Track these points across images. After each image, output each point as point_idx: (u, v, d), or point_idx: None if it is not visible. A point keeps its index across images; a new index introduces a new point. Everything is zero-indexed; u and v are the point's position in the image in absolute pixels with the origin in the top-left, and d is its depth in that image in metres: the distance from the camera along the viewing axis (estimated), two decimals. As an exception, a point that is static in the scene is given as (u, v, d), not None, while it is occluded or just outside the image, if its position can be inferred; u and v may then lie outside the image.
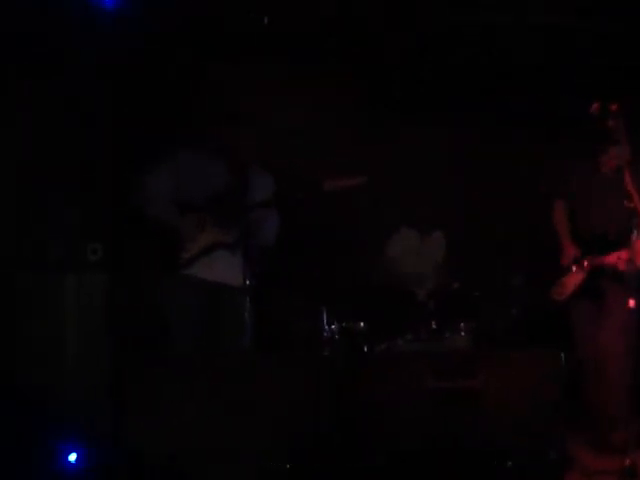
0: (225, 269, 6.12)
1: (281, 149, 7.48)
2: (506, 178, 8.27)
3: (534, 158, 7.89)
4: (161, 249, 6.08)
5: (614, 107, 5.79)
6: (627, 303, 5.51)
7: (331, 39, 7.60)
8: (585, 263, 6.31)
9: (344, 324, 7.12)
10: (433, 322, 7.20)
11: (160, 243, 6.07)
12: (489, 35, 7.65)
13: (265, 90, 7.78)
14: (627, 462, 5.15)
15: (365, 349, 6.96)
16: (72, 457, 5.40)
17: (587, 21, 7.39)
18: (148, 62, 7.25)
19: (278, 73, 7.89)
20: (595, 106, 5.87)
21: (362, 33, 7.62)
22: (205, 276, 6.07)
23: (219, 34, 7.35)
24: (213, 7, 7.12)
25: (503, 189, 8.24)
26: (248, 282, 6.25)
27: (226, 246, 6.11)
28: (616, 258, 6.08)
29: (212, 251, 6.06)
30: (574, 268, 6.39)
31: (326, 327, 7.08)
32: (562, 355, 5.82)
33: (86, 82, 6.65)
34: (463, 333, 7.11)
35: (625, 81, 7.52)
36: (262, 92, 7.68)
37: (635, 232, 5.62)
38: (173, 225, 6.00)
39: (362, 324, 7.08)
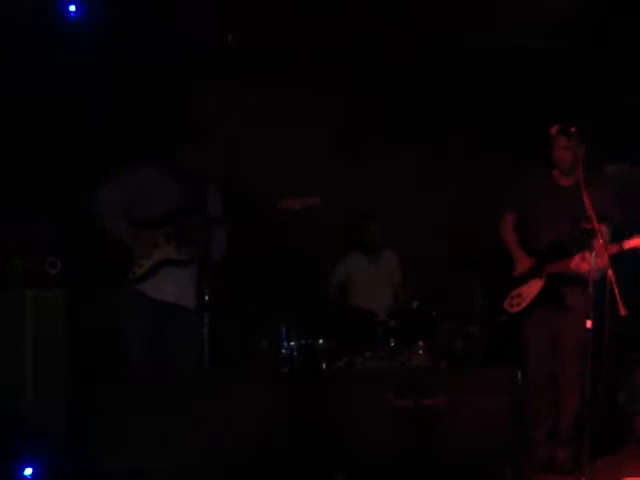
0: (177, 287, 6.11)
1: (238, 167, 7.52)
2: (465, 196, 8.35)
3: (495, 175, 7.98)
4: (114, 264, 6.06)
5: (573, 129, 5.87)
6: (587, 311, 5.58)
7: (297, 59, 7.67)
8: (545, 269, 6.30)
9: (303, 341, 7.13)
10: (392, 340, 7.22)
11: (113, 258, 6.05)
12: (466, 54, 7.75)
13: (224, 109, 7.83)
14: (583, 482, 5.19)
15: (324, 366, 6.97)
16: (28, 472, 5.35)
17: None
18: (107, 79, 7.26)
19: (238, 93, 7.94)
20: (554, 128, 5.94)
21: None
22: (156, 293, 6.05)
23: (185, 53, 7.37)
24: (179, 26, 7.13)
25: (463, 206, 8.33)
26: (202, 300, 6.27)
27: (178, 263, 6.10)
28: (578, 260, 6.08)
29: (164, 267, 6.05)
30: (531, 277, 6.39)
31: (285, 344, 7.10)
32: (519, 373, 5.86)
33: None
34: (421, 351, 7.14)
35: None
36: (220, 111, 7.73)
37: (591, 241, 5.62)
38: (126, 241, 6.00)
39: (321, 341, 7.10)
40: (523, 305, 6.35)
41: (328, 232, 7.89)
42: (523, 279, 6.39)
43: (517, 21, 7.24)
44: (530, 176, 6.54)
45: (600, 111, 7.79)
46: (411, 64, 7.95)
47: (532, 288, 6.34)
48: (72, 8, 6.75)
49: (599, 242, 5.42)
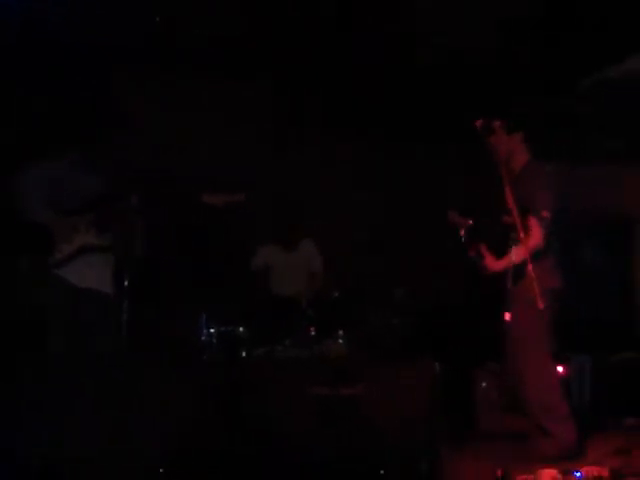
0: (96, 272, 6.09)
1: (162, 159, 7.47)
2: (396, 189, 8.40)
3: (430, 172, 8.03)
4: (33, 249, 6.01)
5: (497, 124, 5.91)
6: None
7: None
8: None
9: (223, 328, 7.09)
10: (312, 329, 7.23)
11: (33, 243, 6.00)
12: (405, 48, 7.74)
13: (151, 99, 7.77)
14: (499, 473, 5.22)
15: (243, 354, 6.95)
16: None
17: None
18: (30, 66, 7.17)
19: (168, 83, 7.88)
20: (479, 122, 5.97)
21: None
22: (76, 279, 6.02)
23: (111, 41, 7.28)
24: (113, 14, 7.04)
25: (394, 200, 8.37)
26: (122, 286, 6.26)
27: (99, 248, 6.08)
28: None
29: (85, 252, 6.02)
30: None
31: (205, 331, 7.05)
32: (436, 365, 5.89)
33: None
34: (341, 341, 7.15)
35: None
36: (148, 101, 7.67)
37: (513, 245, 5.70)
38: (47, 226, 5.95)
39: (241, 329, 7.07)
40: None
41: (251, 221, 7.89)
42: None
43: (454, 23, 7.27)
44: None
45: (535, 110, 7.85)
46: (352, 60, 7.92)
47: None
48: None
49: (521, 236, 5.48)
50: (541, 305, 5.30)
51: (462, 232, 6.22)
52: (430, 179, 7.89)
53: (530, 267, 5.41)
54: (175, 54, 7.64)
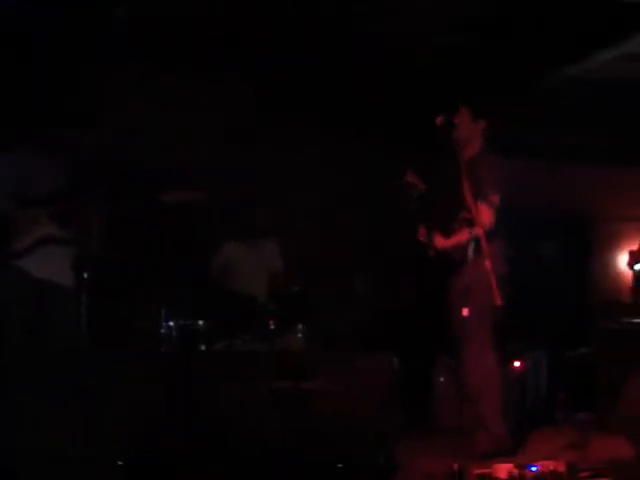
0: (56, 265, 6.08)
1: (125, 152, 7.44)
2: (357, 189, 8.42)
3: (390, 166, 8.02)
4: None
5: (463, 109, 5.98)
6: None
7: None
8: None
9: (182, 322, 7.09)
10: (271, 323, 7.24)
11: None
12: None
13: (116, 91, 7.73)
14: (455, 467, 5.26)
15: (203, 348, 6.95)
16: None
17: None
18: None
19: (130, 75, 7.84)
20: (439, 119, 6.01)
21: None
22: (35, 271, 5.99)
23: (77, 30, 7.23)
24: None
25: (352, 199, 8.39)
26: (81, 279, 6.25)
27: (60, 241, 6.07)
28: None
29: (45, 244, 6.00)
30: None
31: (164, 324, 7.04)
32: (395, 359, 5.93)
33: None
34: (300, 335, 7.17)
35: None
36: (112, 93, 7.63)
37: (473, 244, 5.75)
38: (6, 216, 5.93)
39: (200, 322, 7.07)
40: None
41: (214, 216, 7.89)
42: None
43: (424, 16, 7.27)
44: None
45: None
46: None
47: None
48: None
49: (479, 229, 5.53)
50: (499, 301, 5.34)
51: (414, 194, 6.23)
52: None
53: (487, 263, 5.45)
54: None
